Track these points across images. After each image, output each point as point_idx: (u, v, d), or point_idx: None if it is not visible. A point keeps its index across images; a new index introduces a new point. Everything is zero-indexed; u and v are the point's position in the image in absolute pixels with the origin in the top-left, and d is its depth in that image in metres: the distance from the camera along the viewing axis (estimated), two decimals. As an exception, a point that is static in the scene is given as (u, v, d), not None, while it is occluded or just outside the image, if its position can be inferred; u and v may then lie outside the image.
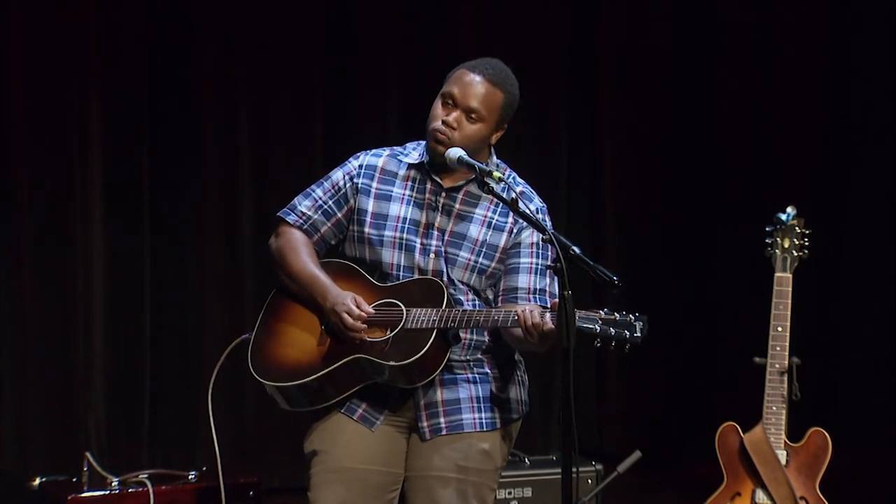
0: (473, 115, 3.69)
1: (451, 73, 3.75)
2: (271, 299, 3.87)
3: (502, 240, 3.77)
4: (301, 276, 3.79)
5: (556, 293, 3.41)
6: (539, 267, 3.75)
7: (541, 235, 3.46)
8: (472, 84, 3.69)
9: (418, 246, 3.75)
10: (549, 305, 3.60)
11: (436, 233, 3.76)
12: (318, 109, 6.42)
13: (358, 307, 3.67)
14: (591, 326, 3.42)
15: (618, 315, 3.45)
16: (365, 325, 3.67)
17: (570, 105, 6.86)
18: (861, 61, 6.86)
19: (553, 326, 3.43)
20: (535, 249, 3.75)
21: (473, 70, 3.71)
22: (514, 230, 3.76)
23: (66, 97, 6.02)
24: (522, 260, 3.76)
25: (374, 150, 3.88)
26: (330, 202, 3.84)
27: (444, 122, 3.68)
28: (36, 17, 5.95)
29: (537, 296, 3.72)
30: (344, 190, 3.83)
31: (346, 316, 3.66)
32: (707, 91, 6.90)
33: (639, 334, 3.46)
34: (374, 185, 3.81)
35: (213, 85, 6.26)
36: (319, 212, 3.84)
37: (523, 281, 3.74)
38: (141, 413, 6.16)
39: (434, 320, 3.62)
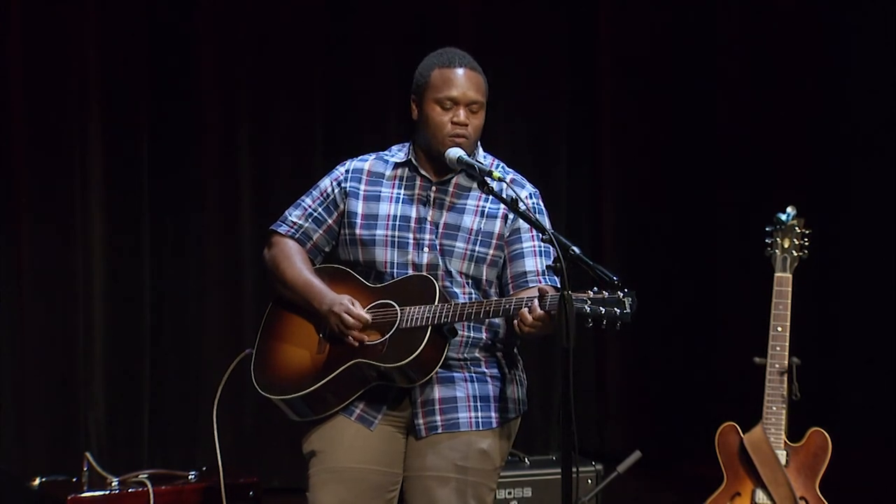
0: (475, 107, 3.73)
1: (427, 75, 3.74)
2: (269, 312, 3.90)
3: (496, 226, 3.79)
4: (296, 283, 3.81)
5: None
6: (542, 248, 3.77)
7: None
8: (465, 79, 3.72)
9: (411, 241, 3.77)
10: (556, 284, 3.60)
11: (429, 226, 3.77)
12: (318, 109, 6.42)
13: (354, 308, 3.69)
14: (580, 307, 3.41)
15: (606, 293, 3.44)
16: (364, 322, 3.67)
17: (570, 105, 6.85)
18: (861, 61, 6.84)
19: (542, 312, 3.46)
20: (534, 232, 3.76)
21: (453, 65, 3.73)
22: (509, 216, 3.77)
23: (66, 97, 6.02)
24: (525, 245, 3.79)
25: (360, 157, 3.91)
26: (320, 209, 3.87)
27: (455, 124, 3.71)
28: (36, 17, 5.94)
29: (546, 277, 3.74)
30: (333, 196, 3.86)
31: (345, 315, 3.67)
32: (707, 90, 6.88)
33: (629, 310, 3.44)
34: (363, 187, 3.84)
35: (214, 85, 6.26)
36: (310, 220, 3.87)
37: (530, 265, 3.77)
38: (141, 413, 6.16)
39: (427, 317, 3.63)
